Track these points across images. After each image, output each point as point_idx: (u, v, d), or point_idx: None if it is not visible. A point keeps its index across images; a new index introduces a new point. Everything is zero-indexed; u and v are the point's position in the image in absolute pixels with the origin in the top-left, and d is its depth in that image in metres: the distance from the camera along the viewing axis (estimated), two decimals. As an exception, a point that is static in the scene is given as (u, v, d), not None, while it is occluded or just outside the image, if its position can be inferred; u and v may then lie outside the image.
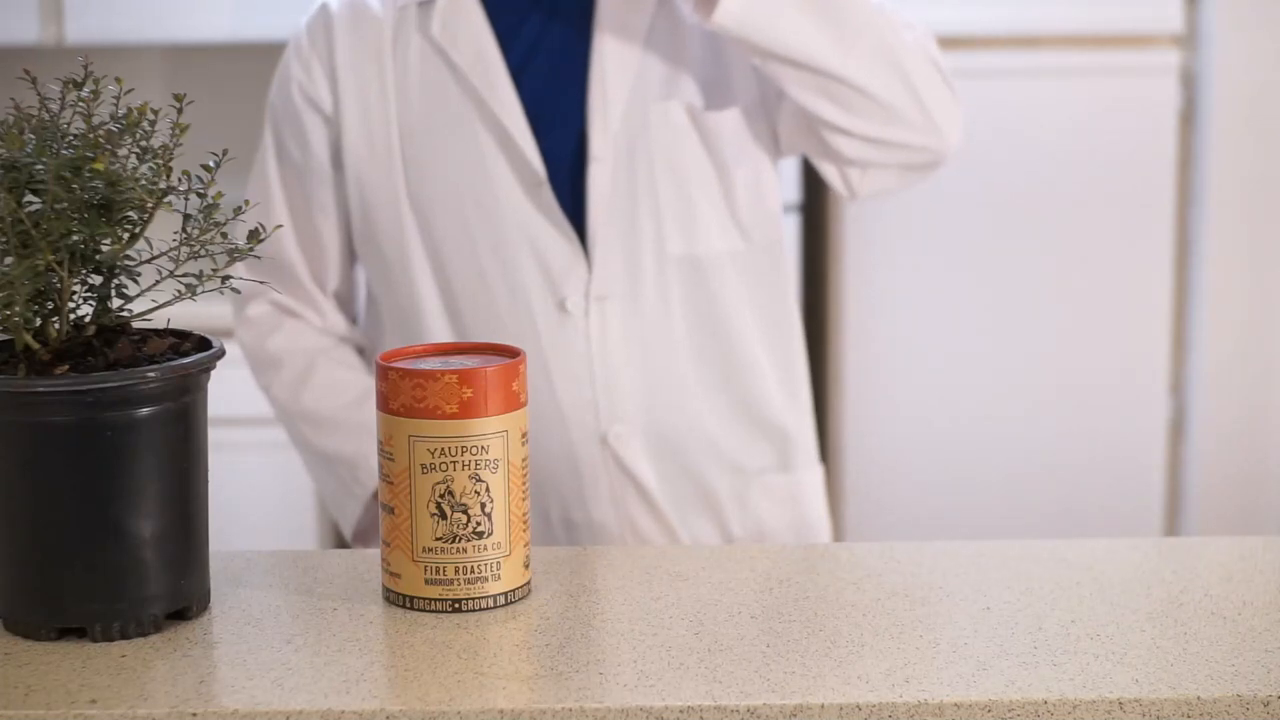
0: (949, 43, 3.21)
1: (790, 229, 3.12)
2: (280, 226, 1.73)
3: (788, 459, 1.89)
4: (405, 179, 1.79)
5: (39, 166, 1.17)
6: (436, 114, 1.78)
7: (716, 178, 1.80)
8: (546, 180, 1.77)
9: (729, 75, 1.81)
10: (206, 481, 1.25)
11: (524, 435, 1.28)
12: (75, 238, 1.19)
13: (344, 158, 1.80)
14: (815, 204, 3.35)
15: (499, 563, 1.27)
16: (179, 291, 1.22)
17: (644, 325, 1.80)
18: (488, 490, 1.25)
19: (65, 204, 1.17)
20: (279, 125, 1.84)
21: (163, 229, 1.23)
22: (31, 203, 1.18)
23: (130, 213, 1.21)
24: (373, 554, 1.38)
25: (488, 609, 1.26)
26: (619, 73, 1.77)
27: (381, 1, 1.81)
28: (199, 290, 1.23)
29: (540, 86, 1.79)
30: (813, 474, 1.93)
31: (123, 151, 1.20)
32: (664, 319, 1.81)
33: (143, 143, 1.21)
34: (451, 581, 1.26)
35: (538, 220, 1.77)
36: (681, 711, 1.10)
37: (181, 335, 1.28)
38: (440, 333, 1.80)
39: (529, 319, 1.78)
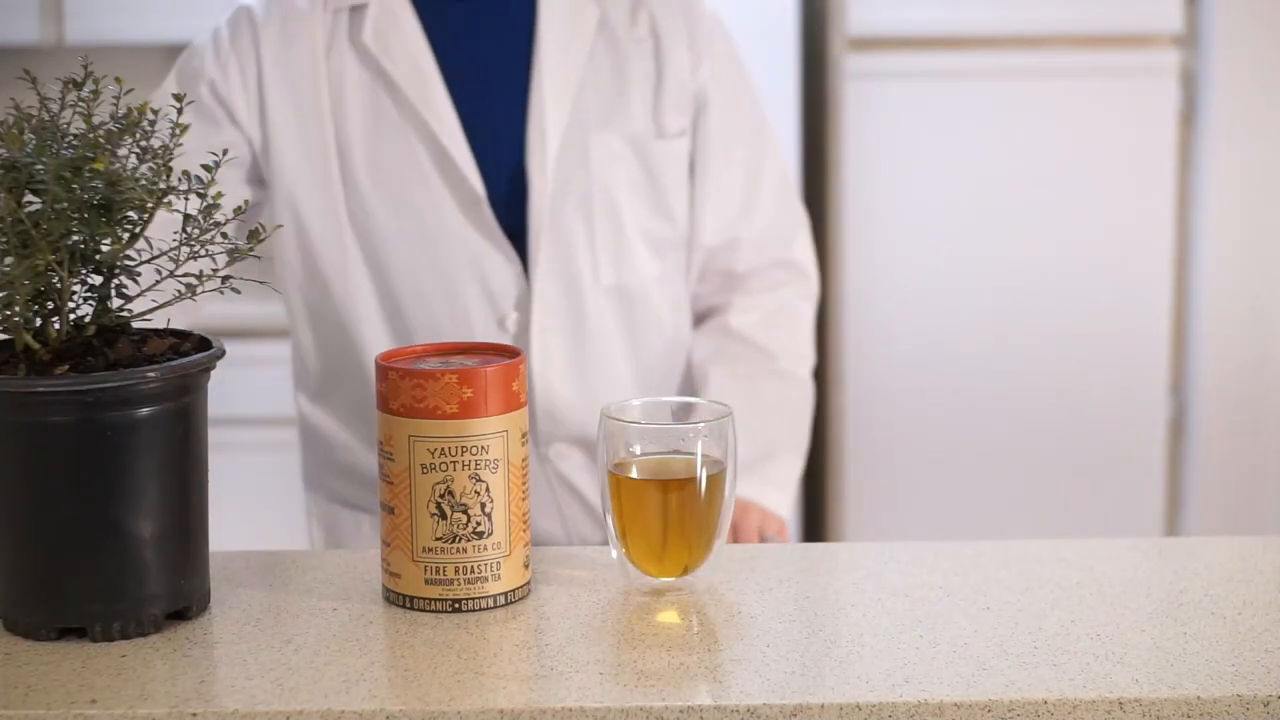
0: (949, 43, 3.24)
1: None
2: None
3: None
4: (344, 195, 1.75)
5: (39, 166, 1.17)
6: (373, 128, 1.74)
7: (653, 206, 1.79)
8: (485, 198, 1.74)
9: (664, 105, 1.79)
10: (206, 481, 1.25)
11: (524, 435, 1.28)
12: (75, 238, 1.19)
13: (274, 176, 1.75)
14: (814, 208, 3.35)
15: (499, 563, 1.26)
16: (179, 291, 1.22)
17: (585, 352, 1.79)
18: (488, 490, 1.25)
19: (65, 204, 1.17)
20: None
21: (163, 229, 1.23)
22: (31, 203, 1.18)
23: (130, 213, 1.21)
24: (373, 554, 1.38)
25: (488, 609, 1.26)
26: (557, 103, 1.75)
27: (310, 3, 1.75)
28: (199, 290, 1.23)
29: (479, 104, 1.75)
30: None
31: (123, 151, 1.20)
32: (603, 344, 1.80)
33: (143, 143, 1.21)
34: (451, 581, 1.25)
35: (477, 239, 1.75)
36: (681, 711, 1.10)
37: (181, 335, 1.28)
38: (383, 348, 1.77)
39: (469, 337, 1.76)
